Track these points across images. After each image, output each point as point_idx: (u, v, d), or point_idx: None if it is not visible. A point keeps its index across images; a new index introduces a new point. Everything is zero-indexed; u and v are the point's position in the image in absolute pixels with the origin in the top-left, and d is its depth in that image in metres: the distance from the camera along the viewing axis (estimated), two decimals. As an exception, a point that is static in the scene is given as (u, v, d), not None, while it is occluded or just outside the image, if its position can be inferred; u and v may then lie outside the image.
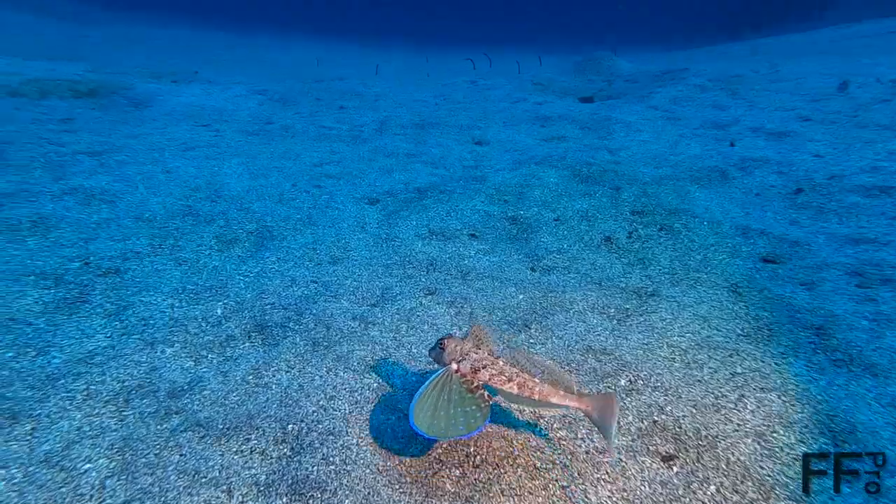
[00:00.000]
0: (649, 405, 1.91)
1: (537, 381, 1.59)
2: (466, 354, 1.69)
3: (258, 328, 2.40)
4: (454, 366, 1.69)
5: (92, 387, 1.89)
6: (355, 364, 2.18)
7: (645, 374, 2.06)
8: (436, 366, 1.80)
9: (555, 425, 1.84)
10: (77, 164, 4.20)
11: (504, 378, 1.62)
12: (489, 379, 1.63)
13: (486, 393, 1.64)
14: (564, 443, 1.76)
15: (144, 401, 1.87)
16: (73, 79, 7.51)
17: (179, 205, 3.70)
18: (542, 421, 1.85)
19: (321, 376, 2.10)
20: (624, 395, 1.96)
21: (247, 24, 24.82)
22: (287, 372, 2.11)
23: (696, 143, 5.14)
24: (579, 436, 1.80)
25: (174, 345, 2.21)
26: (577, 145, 5.33)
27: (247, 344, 2.30)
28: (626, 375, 2.06)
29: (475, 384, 1.65)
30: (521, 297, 2.75)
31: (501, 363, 1.65)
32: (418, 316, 2.57)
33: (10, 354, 2.01)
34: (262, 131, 6.06)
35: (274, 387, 2.01)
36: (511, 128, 6.29)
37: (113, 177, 4.03)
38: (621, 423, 1.83)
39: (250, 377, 2.06)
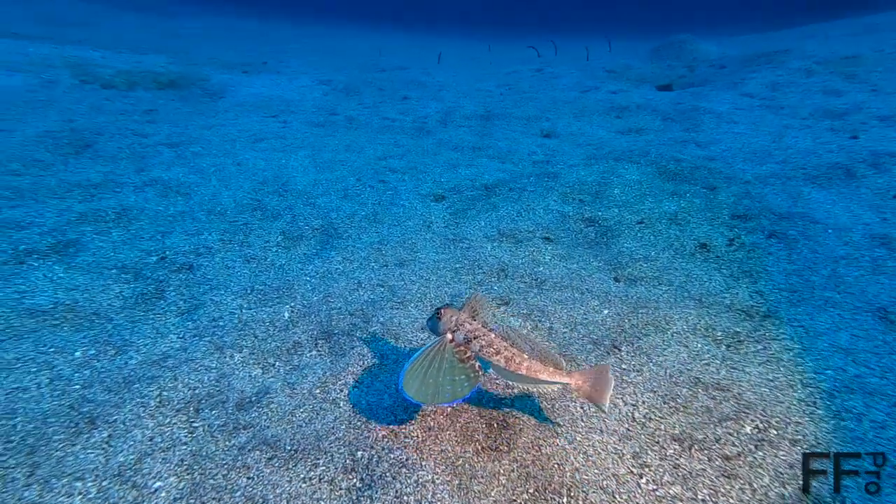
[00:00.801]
0: (790, 464, 1.58)
1: (526, 356, 1.59)
2: (461, 325, 1.69)
3: (325, 335, 2.30)
4: (449, 336, 1.70)
5: (164, 393, 1.85)
6: (426, 383, 2.01)
7: (778, 422, 1.72)
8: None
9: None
10: (157, 156, 4.34)
11: (493, 350, 1.62)
12: (479, 350, 1.64)
13: (477, 364, 1.66)
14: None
15: (214, 412, 1.80)
16: (156, 70, 7.92)
17: (248, 198, 3.71)
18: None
19: (391, 395, 1.95)
20: (753, 448, 1.64)
21: (310, 15, 25.44)
22: (355, 387, 1.98)
23: (805, 135, 4.49)
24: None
25: (242, 350, 2.15)
26: (661, 139, 4.84)
27: (313, 352, 2.20)
28: (752, 420, 1.74)
29: (468, 354, 1.67)
30: (605, 311, 2.46)
31: (493, 336, 1.65)
32: (492, 330, 2.35)
33: (91, 352, 2.03)
34: (328, 122, 6.05)
35: (342, 404, 1.88)
36: (582, 119, 5.87)
37: (188, 168, 4.13)
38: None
39: (317, 391, 1.95)
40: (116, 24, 13.07)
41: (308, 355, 2.19)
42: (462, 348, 1.67)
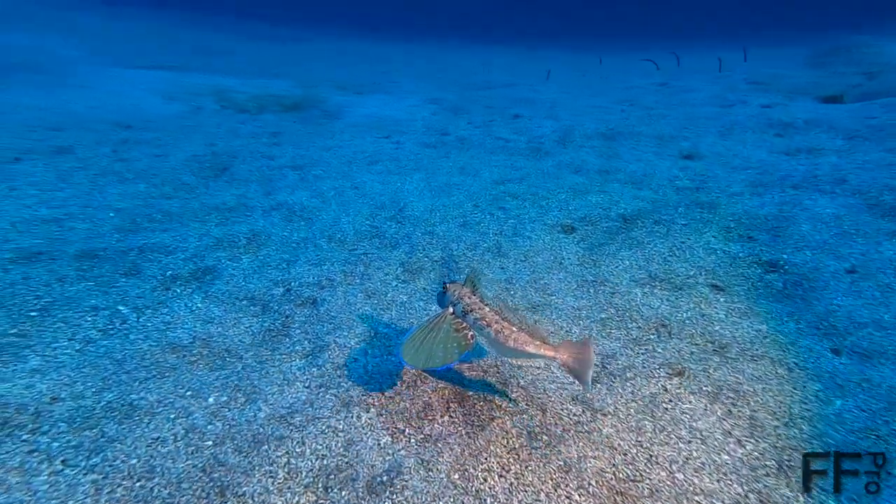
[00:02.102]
0: None
1: (514, 329, 1.67)
2: (461, 298, 1.82)
3: (457, 398, 1.97)
4: (450, 308, 1.84)
5: (293, 460, 1.65)
6: (592, 483, 1.58)
7: None
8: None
9: None
10: (283, 178, 4.47)
11: (484, 322, 1.72)
12: (473, 323, 1.75)
13: (470, 333, 1.75)
14: None
15: (343, 492, 1.55)
16: (281, 94, 8.53)
17: (367, 225, 3.59)
18: None
19: (546, 493, 1.55)
20: None
21: (418, 33, 26.55)
22: (501, 476, 1.61)
23: None
24: None
25: (369, 409, 1.90)
26: (853, 162, 3.91)
27: (445, 418, 1.89)
28: None
29: (464, 325, 1.77)
30: (838, 403, 1.83)
31: (487, 309, 1.76)
32: (665, 409, 1.86)
33: (223, 398, 1.92)
34: (439, 143, 5.92)
35: (489, 502, 1.53)
36: (731, 138, 5.04)
37: (311, 191, 4.17)
38: None
39: (456, 477, 1.61)
40: (251, 52, 14.61)
41: (440, 422, 1.87)
42: (460, 320, 1.79)
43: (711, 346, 2.20)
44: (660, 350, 2.20)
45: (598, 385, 2.02)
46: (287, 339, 2.34)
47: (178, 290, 2.65)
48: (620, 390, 1.98)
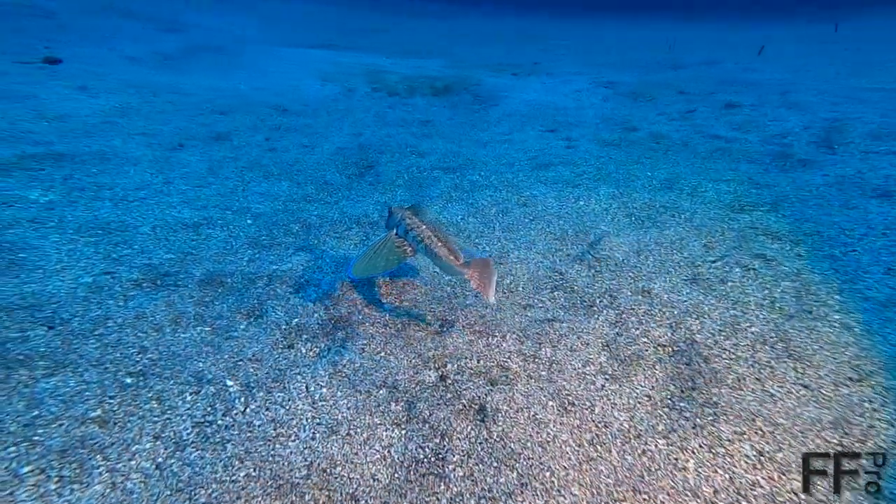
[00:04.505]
0: None
1: (440, 244, 1.96)
2: (403, 219, 2.08)
3: None
4: (394, 231, 2.10)
5: None
6: None
7: None
8: None
9: None
10: (435, 184, 3.66)
11: (420, 237, 1.99)
12: (412, 239, 2.03)
13: (409, 248, 2.05)
14: None
15: None
16: (432, 75, 7.85)
17: (548, 269, 2.56)
18: None
19: None
20: None
21: (577, 7, 24.12)
22: None
23: None
24: None
25: None
26: None
27: None
28: None
29: (405, 243, 2.06)
30: None
31: (424, 227, 2.03)
32: None
33: None
34: (624, 141, 4.58)
35: None
36: None
37: (467, 207, 3.27)
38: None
39: None
40: (405, 29, 14.41)
41: None
42: (402, 239, 2.07)
43: None
44: None
45: None
46: (441, 484, 1.45)
47: (302, 353, 1.95)
48: None
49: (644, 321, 2.14)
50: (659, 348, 2.00)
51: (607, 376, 1.87)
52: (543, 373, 1.87)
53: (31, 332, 1.81)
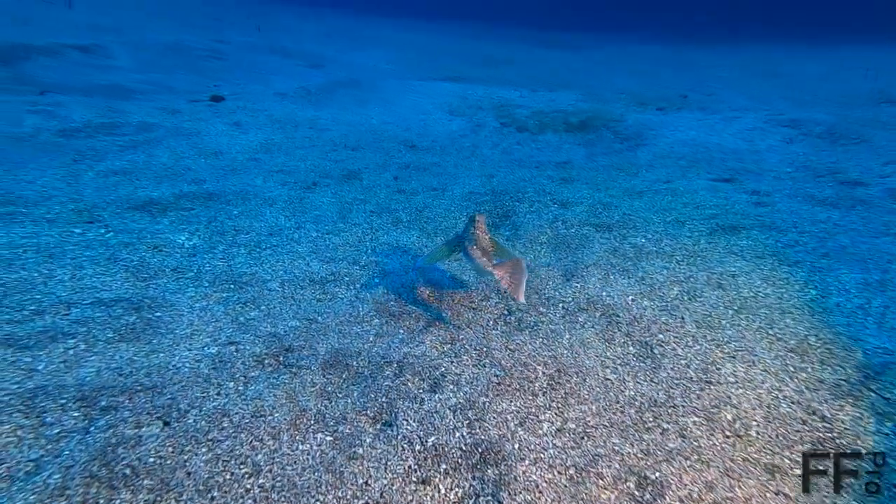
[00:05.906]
0: None
1: (475, 249, 2.17)
2: (475, 232, 2.28)
3: None
4: (467, 243, 2.25)
5: None
6: None
7: None
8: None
9: None
10: (586, 246, 3.03)
11: (470, 248, 2.23)
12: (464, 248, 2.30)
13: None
14: None
15: None
16: (565, 109, 7.27)
17: (791, 404, 1.77)
18: None
19: None
20: None
21: (730, 36, 21.88)
22: None
23: None
24: None
25: None
26: None
27: None
28: None
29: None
30: None
31: (481, 240, 2.26)
32: None
33: None
34: (846, 200, 3.50)
35: None
36: None
37: (636, 284, 2.58)
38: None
39: None
40: (531, 60, 14.10)
41: None
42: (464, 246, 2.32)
43: None
44: None
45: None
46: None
47: (441, 495, 1.45)
48: None
49: None
50: None
51: None
52: None
53: (145, 427, 1.58)
